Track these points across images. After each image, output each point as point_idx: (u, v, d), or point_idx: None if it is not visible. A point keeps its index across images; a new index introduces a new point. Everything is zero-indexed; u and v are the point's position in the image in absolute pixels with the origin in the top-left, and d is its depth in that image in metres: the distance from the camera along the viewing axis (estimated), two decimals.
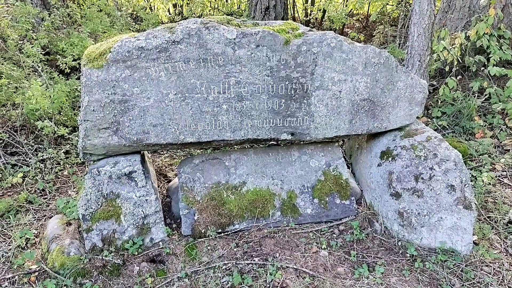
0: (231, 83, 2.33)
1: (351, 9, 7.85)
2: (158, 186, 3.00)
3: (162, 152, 3.73)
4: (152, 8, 7.70)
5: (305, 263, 2.26)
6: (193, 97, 2.31)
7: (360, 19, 8.37)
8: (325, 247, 2.38)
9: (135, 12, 6.43)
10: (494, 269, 2.17)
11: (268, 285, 2.11)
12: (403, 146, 2.52)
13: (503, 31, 4.46)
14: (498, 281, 2.08)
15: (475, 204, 2.29)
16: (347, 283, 2.11)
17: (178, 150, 3.75)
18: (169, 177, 3.22)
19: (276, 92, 2.40)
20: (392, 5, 7.63)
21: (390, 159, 2.53)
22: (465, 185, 2.28)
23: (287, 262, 2.27)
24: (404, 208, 2.36)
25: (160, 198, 2.81)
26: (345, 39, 2.42)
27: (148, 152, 3.56)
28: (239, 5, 8.06)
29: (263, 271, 2.20)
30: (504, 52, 4.33)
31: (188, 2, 8.08)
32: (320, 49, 2.36)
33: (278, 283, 2.12)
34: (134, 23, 5.67)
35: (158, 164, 3.45)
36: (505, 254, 2.29)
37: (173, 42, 2.21)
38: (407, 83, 2.56)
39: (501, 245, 2.35)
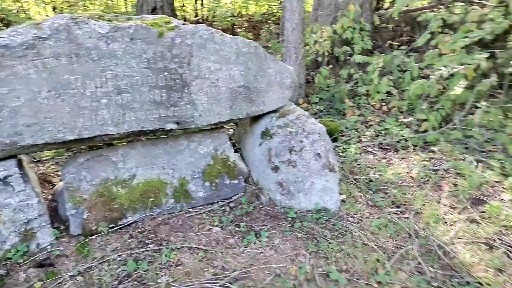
0: (108, 76, 2.36)
1: (239, 10, 8.26)
2: (43, 192, 2.86)
3: (46, 160, 3.52)
4: (26, 12, 7.09)
5: (199, 241, 2.41)
6: (68, 93, 2.28)
7: (249, 19, 8.85)
8: (217, 224, 2.56)
9: (5, 15, 5.87)
10: (357, 219, 2.58)
11: (163, 266, 2.20)
12: (279, 125, 2.83)
13: (363, 25, 5.18)
14: (359, 228, 2.48)
15: (338, 167, 2.69)
16: (237, 251, 2.31)
17: (64, 155, 3.58)
18: (55, 182, 3.08)
19: (156, 83, 2.49)
20: (277, 5, 8.24)
21: (268, 137, 2.82)
22: (328, 152, 2.67)
23: (182, 243, 2.39)
24: (283, 178, 2.66)
25: (46, 203, 2.68)
26: (216, 31, 2.63)
27: (30, 162, 3.34)
28: (127, 8, 7.88)
29: (158, 255, 2.29)
30: (365, 43, 5.05)
31: (70, 5, 7.64)
32: (193, 41, 2.52)
33: (173, 262, 2.23)
34: (4, 27, 5.19)
35: (43, 172, 3.26)
36: (366, 206, 2.73)
37: (40, 38, 2.16)
38: (276, 70, 2.87)
39: (363, 199, 2.80)
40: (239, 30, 8.01)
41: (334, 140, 3.72)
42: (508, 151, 3.22)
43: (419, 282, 2.04)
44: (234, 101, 2.76)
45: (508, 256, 2.20)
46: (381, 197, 2.81)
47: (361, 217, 2.60)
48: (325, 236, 2.41)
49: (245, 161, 3.18)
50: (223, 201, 2.78)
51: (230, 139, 3.52)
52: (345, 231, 2.46)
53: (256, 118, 3.04)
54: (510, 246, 2.25)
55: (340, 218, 2.57)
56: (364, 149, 3.62)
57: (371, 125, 4.12)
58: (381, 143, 3.72)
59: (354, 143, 3.65)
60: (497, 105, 3.82)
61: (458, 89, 3.36)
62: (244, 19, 8.81)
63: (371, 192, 2.90)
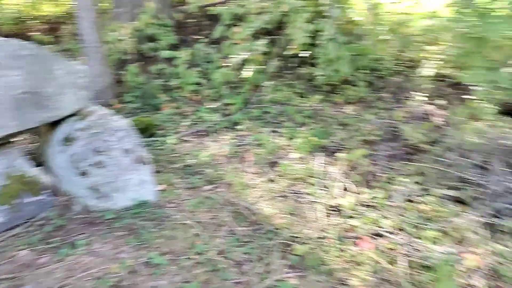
0: None
1: (30, 12, 7.31)
2: None
3: None
4: None
5: (1, 271, 2.12)
6: None
7: (46, 21, 7.92)
8: (24, 247, 2.29)
9: None
10: (176, 203, 2.72)
11: None
12: (80, 128, 2.70)
13: (165, 21, 5.32)
14: (179, 210, 2.63)
15: (151, 159, 2.77)
16: (51, 268, 2.14)
17: None
18: None
19: None
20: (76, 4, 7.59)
21: (71, 143, 2.66)
22: (137, 146, 2.71)
23: None
24: (94, 182, 2.57)
25: None
26: None
27: None
28: None
29: None
30: (169, 38, 5.21)
31: None
32: None
33: None
34: None
35: None
36: (184, 189, 2.90)
37: None
38: (67, 70, 2.71)
39: (181, 184, 2.96)
40: (34, 33, 7.09)
41: (151, 135, 3.78)
42: (294, 119, 3.92)
43: (232, 242, 2.33)
44: (20, 110, 2.48)
45: (296, 201, 2.73)
46: (198, 179, 3.02)
47: (181, 200, 2.76)
48: (146, 227, 2.45)
49: (51, 172, 2.91)
50: (29, 221, 2.50)
51: (33, 153, 3.16)
52: (166, 217, 2.56)
53: (54, 125, 2.81)
54: (296, 194, 2.79)
55: (160, 207, 2.66)
56: (181, 138, 3.79)
57: (186, 115, 4.33)
58: (197, 130, 3.96)
59: (171, 135, 3.79)
60: (284, 83, 4.57)
61: (247, 73, 3.86)
62: (39, 21, 7.84)
63: (188, 176, 3.08)
